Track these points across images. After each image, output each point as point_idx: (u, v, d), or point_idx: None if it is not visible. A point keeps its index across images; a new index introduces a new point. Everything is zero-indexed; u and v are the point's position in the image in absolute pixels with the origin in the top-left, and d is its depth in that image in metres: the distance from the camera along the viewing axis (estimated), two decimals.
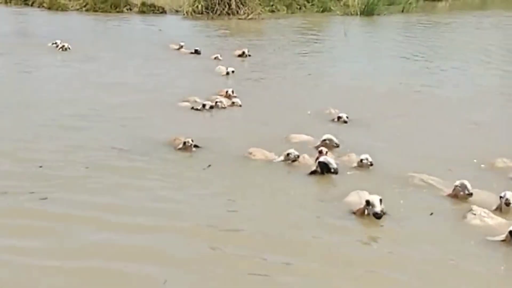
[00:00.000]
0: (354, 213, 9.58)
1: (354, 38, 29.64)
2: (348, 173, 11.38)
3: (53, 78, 19.61)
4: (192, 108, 15.67)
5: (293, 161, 11.60)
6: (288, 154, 11.66)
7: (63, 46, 23.83)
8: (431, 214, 9.65)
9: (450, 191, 10.27)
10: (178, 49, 24.26)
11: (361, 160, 11.52)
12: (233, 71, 19.94)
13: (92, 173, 11.13)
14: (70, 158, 11.82)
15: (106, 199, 9.94)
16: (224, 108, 15.78)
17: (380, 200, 9.35)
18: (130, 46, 25.32)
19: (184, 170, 11.43)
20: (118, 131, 13.74)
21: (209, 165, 11.53)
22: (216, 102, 15.83)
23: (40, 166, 11.34)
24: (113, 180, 10.74)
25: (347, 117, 14.54)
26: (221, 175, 11.18)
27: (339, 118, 14.65)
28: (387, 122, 14.90)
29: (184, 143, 12.32)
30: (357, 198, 9.95)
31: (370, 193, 9.60)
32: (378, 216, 9.33)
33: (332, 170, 10.96)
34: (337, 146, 12.31)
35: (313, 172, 11.14)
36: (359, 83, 19.38)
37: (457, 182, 10.11)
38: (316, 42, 27.48)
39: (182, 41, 24.38)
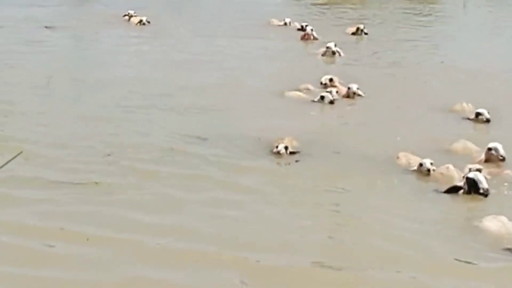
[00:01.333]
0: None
1: (476, 11, 26.82)
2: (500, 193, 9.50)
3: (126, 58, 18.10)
4: (312, 101, 13.68)
5: (427, 174, 9.88)
6: (421, 165, 9.98)
7: (141, 20, 21.54)
8: None
9: None
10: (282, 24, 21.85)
11: None
12: (338, 52, 17.42)
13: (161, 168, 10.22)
14: (137, 151, 10.91)
15: (168, 217, 8.67)
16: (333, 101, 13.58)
17: None
18: (216, 18, 23.16)
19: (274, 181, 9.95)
20: (198, 121, 12.48)
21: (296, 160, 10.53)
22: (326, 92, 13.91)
23: (108, 155, 10.72)
24: (178, 194, 9.39)
25: (488, 113, 12.59)
26: (323, 183, 9.83)
27: (477, 115, 12.63)
28: None
29: (277, 146, 10.72)
30: (499, 225, 8.17)
31: None
32: None
33: (482, 191, 9.07)
34: (503, 159, 10.33)
35: (454, 189, 9.28)
36: (484, 67, 17.26)
37: None
38: (429, 16, 24.89)
39: (287, 17, 22.02)
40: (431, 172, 9.84)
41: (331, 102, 13.38)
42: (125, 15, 21.92)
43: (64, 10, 24.48)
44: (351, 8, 25.01)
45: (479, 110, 12.58)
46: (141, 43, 19.74)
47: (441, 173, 9.79)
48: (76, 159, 10.64)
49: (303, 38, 19.72)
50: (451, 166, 9.90)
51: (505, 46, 20.51)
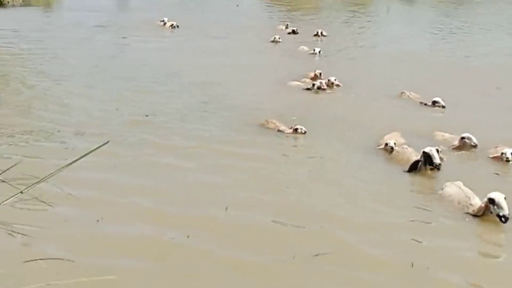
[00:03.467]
0: (470, 213, 7.11)
1: (394, 14, 26.84)
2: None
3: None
4: (307, 89, 13.06)
5: (390, 151, 9.02)
6: (386, 144, 9.14)
7: (172, 24, 21.09)
8: None
9: None
10: (285, 28, 20.98)
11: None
12: (320, 51, 17.00)
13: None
14: (166, 112, 11.01)
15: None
16: (325, 89, 12.93)
17: (505, 199, 6.87)
18: (227, 23, 22.62)
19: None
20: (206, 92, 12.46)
21: None
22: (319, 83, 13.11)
23: (147, 115, 10.68)
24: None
25: (443, 101, 11.65)
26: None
27: (434, 103, 11.65)
28: (468, 98, 12.52)
29: (296, 129, 9.99)
30: (457, 190, 7.45)
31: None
32: (505, 219, 6.84)
33: (434, 164, 8.21)
34: (475, 146, 9.24)
35: (414, 164, 8.36)
36: (414, 52, 17.73)
37: None
38: (364, 18, 24.84)
39: (287, 22, 21.37)
40: (394, 150, 9.02)
41: (319, 88, 12.66)
42: (161, 21, 21.35)
43: (111, 15, 24.10)
44: (312, 13, 24.64)
45: (435, 99, 11.56)
46: (171, 39, 19.50)
47: (398, 151, 8.94)
48: (123, 118, 10.56)
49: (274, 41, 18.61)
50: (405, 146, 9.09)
51: (421, 37, 20.61)
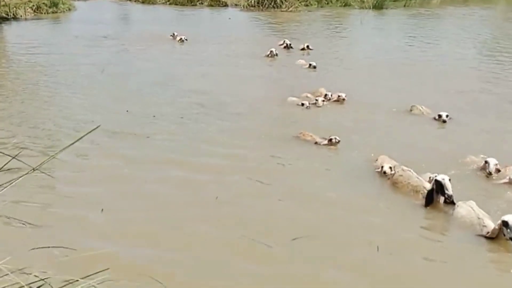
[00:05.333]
0: (484, 235, 5.97)
1: (368, 25, 24.78)
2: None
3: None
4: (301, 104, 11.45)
5: (384, 173, 7.54)
6: (382, 167, 7.70)
7: (181, 38, 19.18)
8: None
9: None
10: (282, 43, 18.15)
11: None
12: (315, 66, 15.06)
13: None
14: (170, 114, 10.36)
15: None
16: (320, 106, 11.36)
17: None
18: (231, 36, 20.34)
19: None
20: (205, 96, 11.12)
21: None
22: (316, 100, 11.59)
23: (154, 116, 10.16)
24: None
25: (447, 116, 10.29)
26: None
27: (439, 116, 10.35)
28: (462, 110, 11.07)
29: (331, 139, 8.82)
30: (469, 211, 6.25)
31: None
32: None
33: (446, 196, 6.60)
34: (490, 174, 7.73)
35: (430, 195, 6.68)
36: (400, 63, 16.02)
37: None
38: (342, 30, 23.05)
39: (285, 39, 18.60)
40: (387, 173, 7.53)
41: (307, 107, 11.09)
42: (170, 35, 19.46)
43: (116, 27, 22.06)
44: (294, 26, 22.96)
45: (440, 113, 10.31)
46: (178, 51, 17.67)
47: (401, 175, 7.31)
48: (131, 119, 10.00)
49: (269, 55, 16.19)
50: (404, 167, 7.45)
51: (392, 44, 19.14)
